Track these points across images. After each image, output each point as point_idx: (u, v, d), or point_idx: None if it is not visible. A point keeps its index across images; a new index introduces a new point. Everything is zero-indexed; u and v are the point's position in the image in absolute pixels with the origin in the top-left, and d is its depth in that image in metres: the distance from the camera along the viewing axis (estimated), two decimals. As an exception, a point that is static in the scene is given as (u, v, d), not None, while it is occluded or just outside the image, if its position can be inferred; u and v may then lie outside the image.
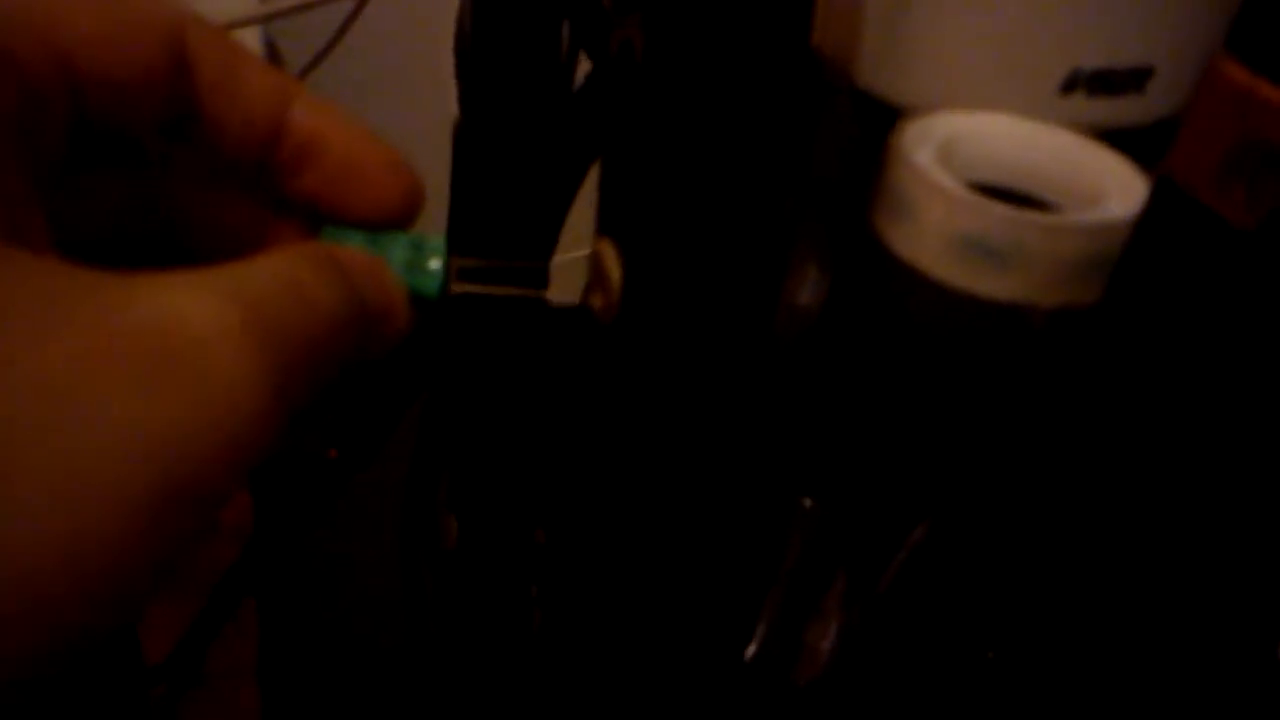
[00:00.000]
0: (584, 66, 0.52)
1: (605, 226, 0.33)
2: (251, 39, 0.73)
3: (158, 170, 0.25)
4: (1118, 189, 0.29)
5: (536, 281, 0.32)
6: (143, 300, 0.17)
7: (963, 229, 0.27)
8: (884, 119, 0.32)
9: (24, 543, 0.15)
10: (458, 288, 0.26)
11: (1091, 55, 0.33)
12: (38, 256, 0.17)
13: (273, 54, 0.84)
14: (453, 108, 0.57)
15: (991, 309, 0.28)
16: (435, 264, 0.25)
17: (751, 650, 0.41)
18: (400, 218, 0.25)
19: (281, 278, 0.20)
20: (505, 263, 0.27)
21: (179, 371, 0.17)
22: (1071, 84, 0.34)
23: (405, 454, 0.62)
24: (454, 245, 0.26)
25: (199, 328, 0.17)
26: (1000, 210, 0.27)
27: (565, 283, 0.56)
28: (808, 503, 0.40)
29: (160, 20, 0.22)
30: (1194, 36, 0.34)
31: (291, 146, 0.24)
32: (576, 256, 0.38)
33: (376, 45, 0.73)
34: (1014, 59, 0.34)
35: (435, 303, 0.25)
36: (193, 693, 0.48)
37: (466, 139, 0.58)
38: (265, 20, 0.66)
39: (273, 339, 0.18)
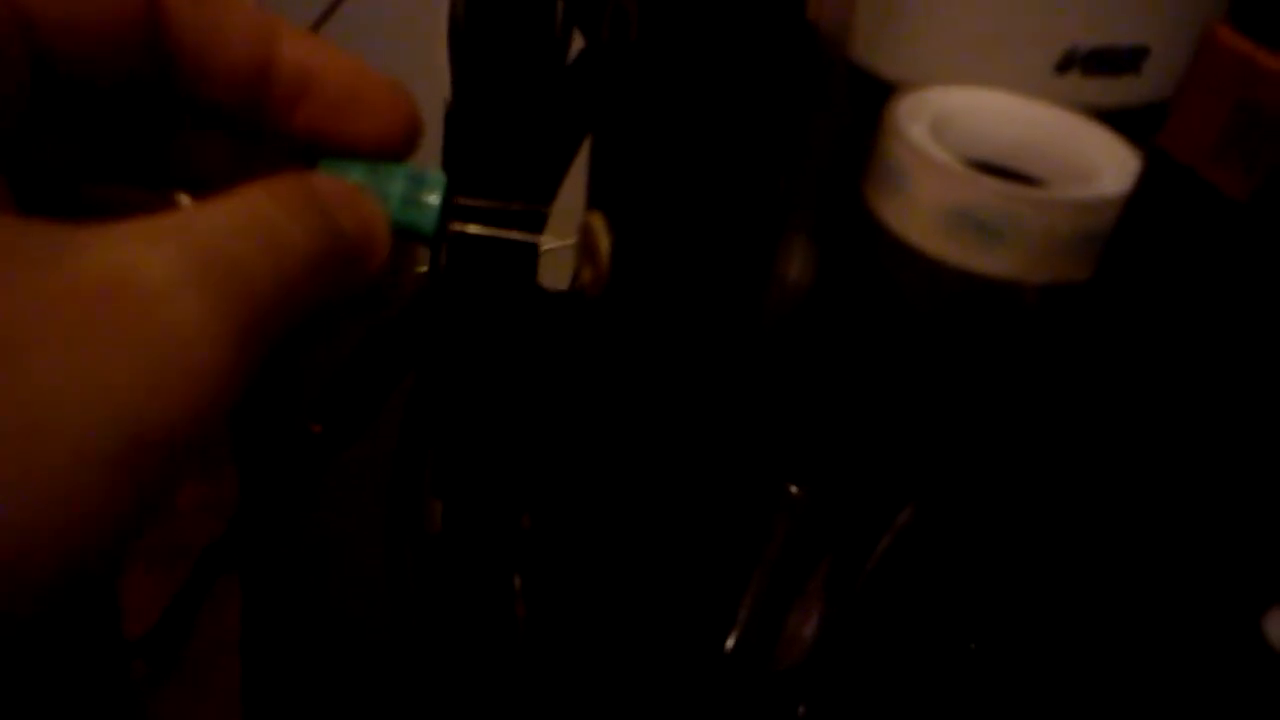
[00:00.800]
0: (578, 42, 0.51)
1: (595, 200, 0.33)
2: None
3: (138, 116, 0.24)
4: (1110, 165, 0.28)
5: (533, 225, 0.31)
6: (95, 253, 0.17)
7: (956, 203, 0.27)
8: (878, 94, 0.32)
9: None
10: (456, 226, 0.25)
11: (1087, 33, 0.33)
12: None
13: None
14: (445, 91, 0.57)
15: (984, 284, 0.27)
16: (433, 199, 0.25)
17: (733, 638, 0.41)
18: (401, 145, 0.25)
19: (245, 219, 0.19)
20: (504, 204, 0.26)
21: (133, 324, 0.16)
22: (1067, 63, 0.33)
23: (392, 433, 0.62)
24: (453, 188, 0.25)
25: (152, 279, 0.17)
26: (993, 184, 0.27)
27: (554, 269, 0.55)
28: (794, 489, 0.39)
29: None
30: (1191, 17, 0.34)
31: (283, 83, 0.23)
32: (566, 244, 0.37)
33: (365, 28, 0.73)
34: (1009, 36, 0.33)
35: (430, 240, 0.24)
36: (174, 668, 0.48)
37: (458, 122, 0.57)
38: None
39: (233, 285, 0.18)
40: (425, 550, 0.70)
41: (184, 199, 0.26)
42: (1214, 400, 0.23)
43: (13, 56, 0.20)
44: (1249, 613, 0.22)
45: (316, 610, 0.70)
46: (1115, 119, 0.32)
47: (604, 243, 0.31)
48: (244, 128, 0.24)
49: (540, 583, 0.60)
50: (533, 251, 0.49)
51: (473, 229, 0.26)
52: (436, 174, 0.25)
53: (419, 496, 0.69)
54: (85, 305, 0.16)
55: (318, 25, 0.58)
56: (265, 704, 0.58)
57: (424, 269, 0.53)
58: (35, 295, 0.16)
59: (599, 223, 0.31)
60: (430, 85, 0.57)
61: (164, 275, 0.17)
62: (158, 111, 0.24)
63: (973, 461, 0.30)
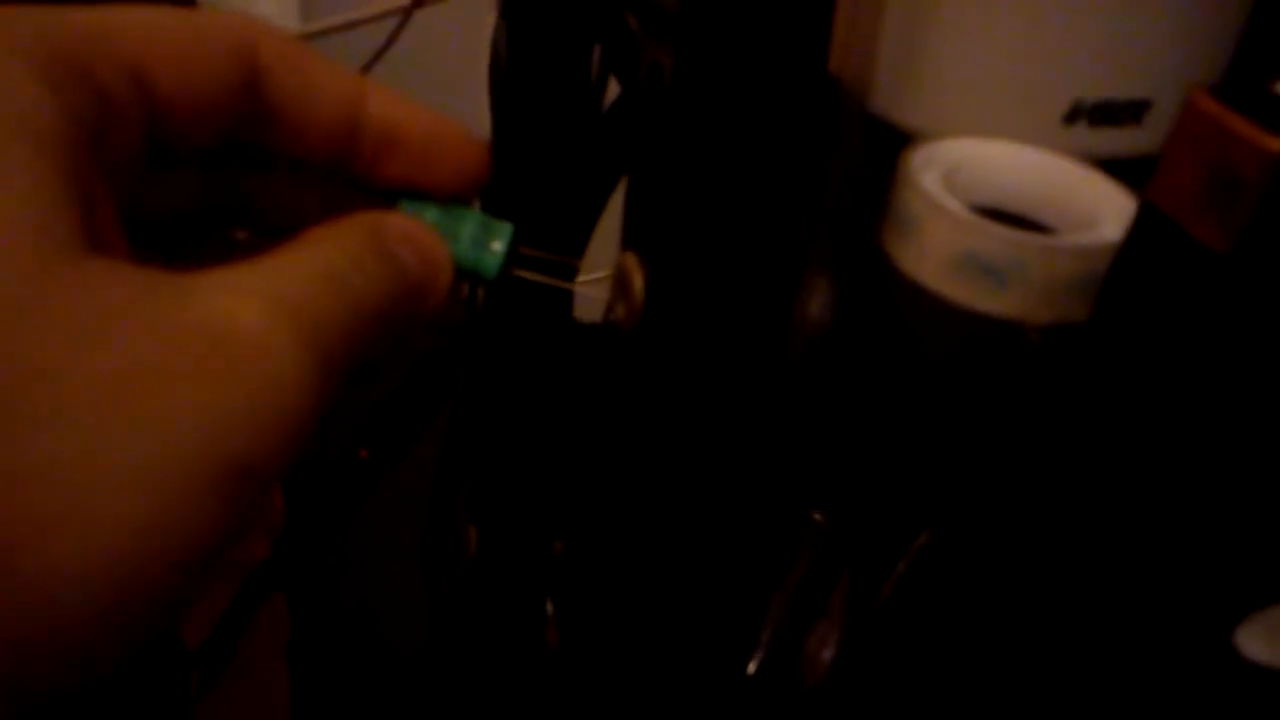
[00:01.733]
0: (614, 89, 0.54)
1: (630, 240, 0.35)
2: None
3: (237, 165, 0.26)
4: (1112, 213, 0.30)
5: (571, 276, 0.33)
6: (199, 303, 0.19)
7: (964, 248, 0.29)
8: (894, 143, 0.34)
9: (110, 518, 0.16)
10: (518, 273, 0.27)
11: (1093, 88, 0.35)
12: (109, 261, 0.19)
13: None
14: (487, 127, 0.59)
15: (990, 324, 0.29)
16: (499, 245, 0.26)
17: (756, 661, 0.43)
18: (474, 188, 0.27)
19: (320, 272, 0.21)
20: (565, 258, 0.29)
21: (232, 367, 0.18)
22: (1074, 114, 0.35)
23: (430, 462, 0.64)
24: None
25: (248, 328, 0.19)
26: (1000, 231, 0.29)
27: (589, 304, 0.57)
28: (818, 516, 0.41)
29: (233, 35, 0.23)
30: (1191, 72, 0.36)
31: (371, 139, 0.25)
32: (601, 277, 0.39)
33: (414, 66, 0.75)
34: (1020, 90, 0.36)
35: (491, 283, 0.26)
36: (222, 681, 0.50)
37: (498, 158, 0.59)
38: (305, 40, 0.68)
39: (314, 332, 0.20)
40: (461, 574, 0.72)
41: (240, 235, 0.28)
42: (1196, 430, 0.24)
43: (132, 120, 0.22)
44: (1223, 627, 0.24)
45: (357, 631, 0.72)
46: (1120, 167, 0.34)
47: (638, 280, 0.33)
48: (333, 175, 0.26)
49: (571, 606, 0.61)
50: (570, 292, 0.51)
51: (530, 276, 0.28)
52: (504, 224, 0.27)
53: (455, 523, 0.71)
54: (198, 350, 0.18)
55: (366, 68, 0.61)
56: (308, 717, 0.60)
57: (464, 296, 0.55)
58: (155, 338, 0.18)
59: (633, 261, 0.33)
60: (472, 126, 0.60)
61: (261, 325, 0.19)
62: (251, 158, 0.26)
63: (984, 490, 0.32)
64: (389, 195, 0.27)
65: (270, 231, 0.27)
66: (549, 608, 0.66)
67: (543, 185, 0.57)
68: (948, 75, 0.36)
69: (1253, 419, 0.23)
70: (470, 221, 0.26)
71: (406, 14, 0.53)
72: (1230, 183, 0.22)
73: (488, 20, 0.57)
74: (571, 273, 0.30)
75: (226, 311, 0.19)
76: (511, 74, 0.57)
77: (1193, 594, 0.25)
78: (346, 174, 0.26)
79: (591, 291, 0.37)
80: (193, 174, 0.26)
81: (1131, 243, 0.25)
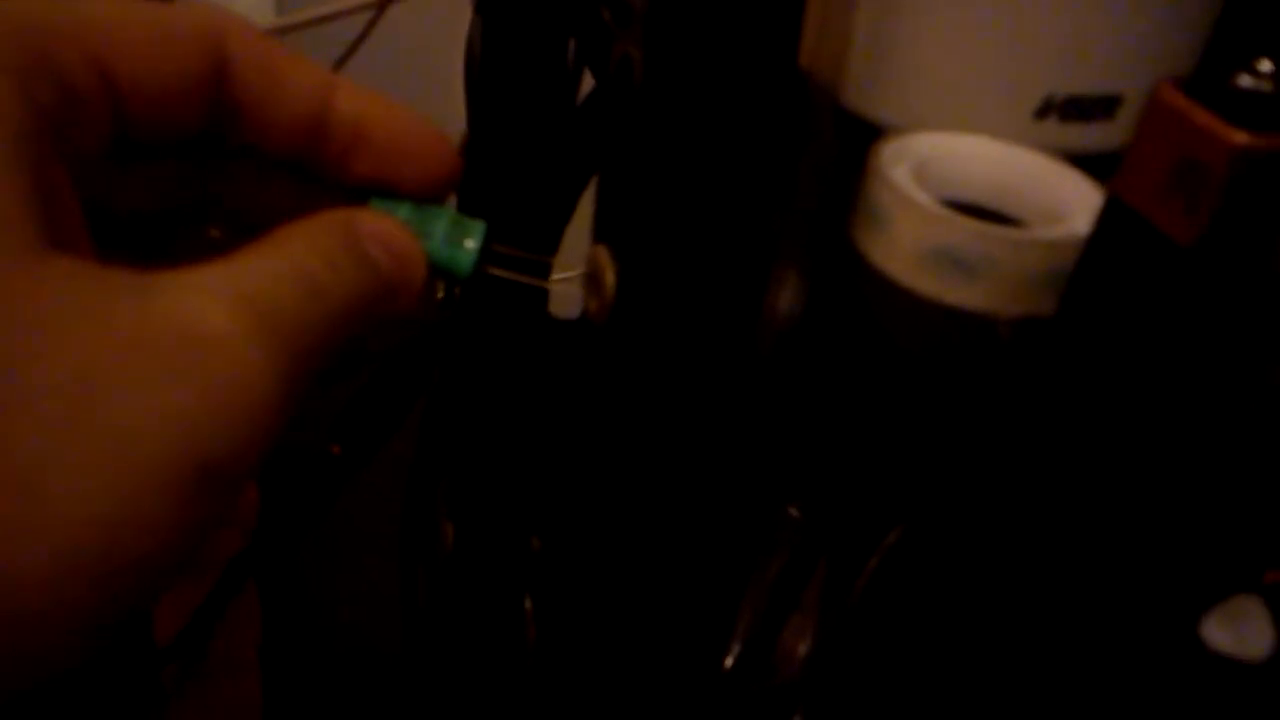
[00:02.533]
0: (587, 83, 0.54)
1: (601, 233, 0.35)
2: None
3: (203, 159, 0.26)
4: (1081, 207, 0.30)
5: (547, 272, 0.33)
6: (165, 303, 0.19)
7: (934, 241, 0.29)
8: (866, 137, 0.34)
9: (74, 519, 0.16)
10: (492, 271, 0.27)
11: (1063, 83, 0.35)
12: (72, 259, 0.19)
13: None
14: (463, 122, 0.59)
15: (960, 317, 0.29)
16: (472, 242, 0.27)
17: (732, 655, 0.43)
18: (443, 188, 0.27)
19: (285, 269, 0.21)
20: (538, 256, 0.29)
21: (199, 367, 0.18)
22: (1045, 109, 0.35)
23: (406, 457, 0.64)
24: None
25: (217, 329, 0.19)
26: (969, 224, 0.29)
27: (565, 299, 0.57)
28: (793, 511, 0.41)
29: (200, 27, 0.23)
30: (1160, 68, 0.36)
31: (340, 136, 0.25)
32: (575, 275, 0.39)
33: (390, 60, 0.75)
34: (991, 85, 0.36)
35: (463, 281, 0.26)
36: (198, 673, 0.50)
37: (474, 153, 0.60)
38: (281, 33, 0.68)
39: (283, 332, 0.20)
40: (438, 570, 0.72)
41: (215, 233, 0.28)
42: (1162, 422, 0.25)
43: (96, 112, 0.22)
44: (1189, 618, 0.24)
45: (332, 626, 0.72)
46: (1091, 161, 0.34)
47: (609, 274, 0.33)
48: (302, 170, 0.26)
49: (549, 602, 0.61)
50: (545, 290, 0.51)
51: (503, 274, 0.28)
52: (477, 222, 0.26)
53: (432, 519, 0.71)
54: (161, 351, 0.18)
55: (346, 56, 0.61)
56: (282, 716, 0.60)
57: (440, 296, 0.55)
58: (118, 339, 0.18)
59: (605, 255, 0.33)
60: (448, 118, 0.59)
61: (227, 325, 0.19)
62: (221, 154, 0.26)
63: (955, 483, 0.32)
64: (360, 193, 0.26)
65: (244, 229, 0.27)
66: (527, 603, 0.66)
67: (518, 180, 0.57)
68: (919, 70, 0.36)
69: (1217, 412, 0.23)
70: (443, 219, 0.26)
71: (381, 8, 0.53)
72: (1195, 176, 0.22)
73: (463, 14, 0.57)
74: (546, 270, 0.30)
75: (191, 311, 0.19)
76: (486, 68, 0.57)
77: (1158, 585, 0.25)
78: (316, 171, 0.26)
79: (565, 289, 0.37)
80: (163, 169, 0.25)
81: (1098, 235, 0.25)
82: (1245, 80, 0.22)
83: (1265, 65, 0.22)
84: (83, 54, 0.21)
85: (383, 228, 0.24)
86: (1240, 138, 0.21)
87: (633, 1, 0.37)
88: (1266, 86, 0.22)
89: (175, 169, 0.26)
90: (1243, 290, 0.22)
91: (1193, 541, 0.24)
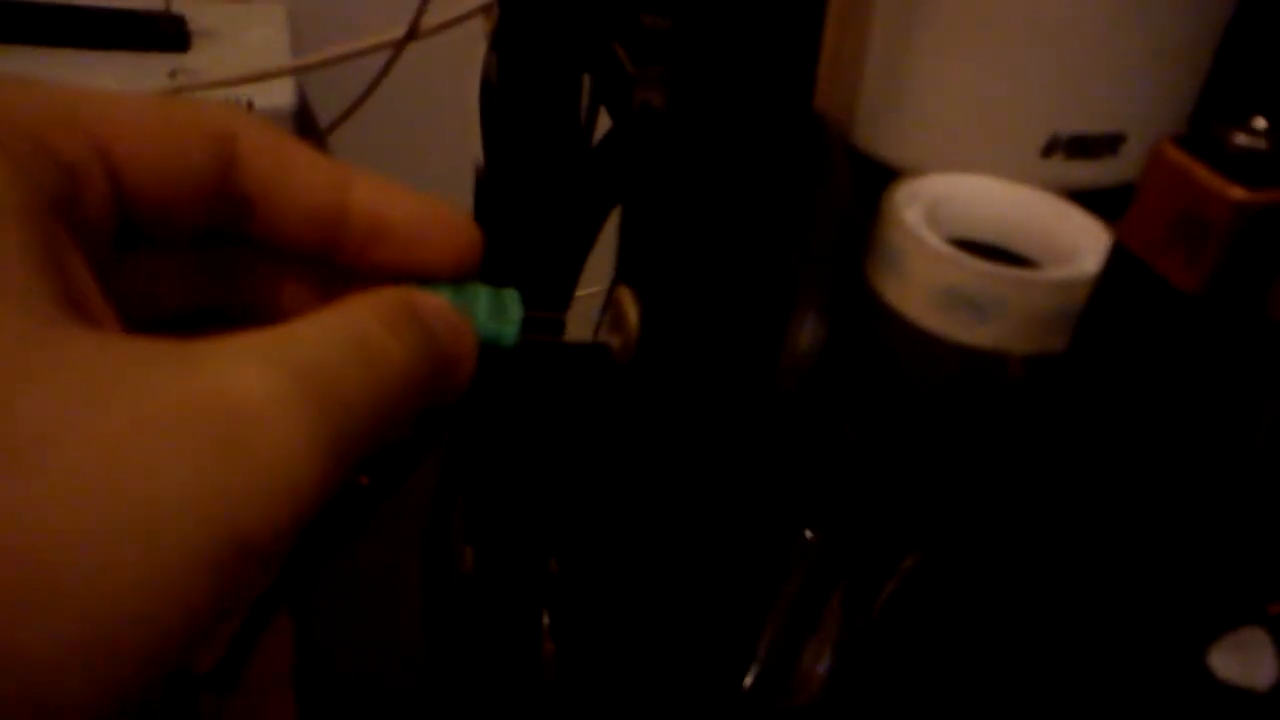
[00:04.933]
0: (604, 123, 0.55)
1: (623, 273, 0.36)
2: (285, 90, 0.77)
3: (217, 252, 0.25)
4: (1089, 246, 0.32)
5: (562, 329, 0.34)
6: (201, 371, 0.18)
7: (946, 282, 0.30)
8: (880, 178, 0.35)
9: (109, 595, 0.16)
10: (529, 337, 0.27)
11: (1069, 122, 0.37)
12: (98, 330, 0.18)
13: (304, 104, 0.87)
14: (479, 156, 0.60)
15: (972, 355, 0.31)
16: (514, 314, 0.26)
17: (751, 676, 0.44)
18: (472, 267, 0.26)
19: (344, 336, 0.20)
20: (561, 314, 0.29)
21: (236, 440, 0.17)
22: (1051, 147, 0.37)
23: (428, 484, 0.65)
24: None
25: (255, 398, 0.18)
26: (979, 266, 0.30)
27: (578, 320, 0.58)
28: (809, 534, 0.42)
29: (207, 123, 0.23)
30: (1163, 106, 0.38)
31: (359, 228, 0.25)
32: (591, 292, 0.40)
33: (406, 96, 0.76)
34: (999, 125, 0.37)
35: (508, 351, 0.26)
36: (234, 698, 0.51)
37: (489, 188, 0.61)
38: (299, 71, 0.69)
39: (331, 403, 0.19)
40: (459, 591, 0.73)
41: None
42: (1169, 460, 0.26)
43: (96, 191, 0.21)
44: (1196, 647, 0.25)
45: (359, 645, 0.73)
46: (1097, 197, 0.35)
47: (632, 313, 0.34)
48: (324, 264, 0.26)
49: (567, 622, 0.62)
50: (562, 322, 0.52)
51: (539, 338, 0.28)
52: (513, 292, 0.26)
53: (453, 542, 0.72)
54: (197, 421, 0.17)
55: (363, 97, 0.62)
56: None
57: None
58: (153, 410, 0.17)
59: (627, 295, 0.35)
60: (466, 149, 0.61)
61: (267, 394, 0.18)
62: (237, 249, 0.25)
63: (969, 514, 0.33)
64: (386, 281, 0.26)
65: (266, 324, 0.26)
66: (545, 624, 0.67)
67: (534, 213, 0.58)
68: (928, 111, 0.37)
69: (1221, 452, 0.25)
70: (483, 295, 0.26)
71: (399, 47, 0.54)
72: (1196, 228, 0.23)
73: (479, 51, 0.58)
74: (561, 327, 0.30)
75: (229, 378, 0.18)
76: (502, 102, 0.58)
77: (1167, 615, 0.26)
78: (334, 262, 0.25)
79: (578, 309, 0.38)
80: (178, 264, 0.25)
81: (1105, 281, 0.26)
82: (1241, 138, 0.23)
83: (1260, 123, 0.23)
84: (82, 138, 0.21)
85: (439, 302, 0.24)
86: (1238, 193, 0.22)
87: (649, 28, 0.38)
88: (1262, 144, 0.23)
89: (191, 264, 0.25)
90: (1241, 335, 0.23)
91: (1200, 573, 0.25)
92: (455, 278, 0.26)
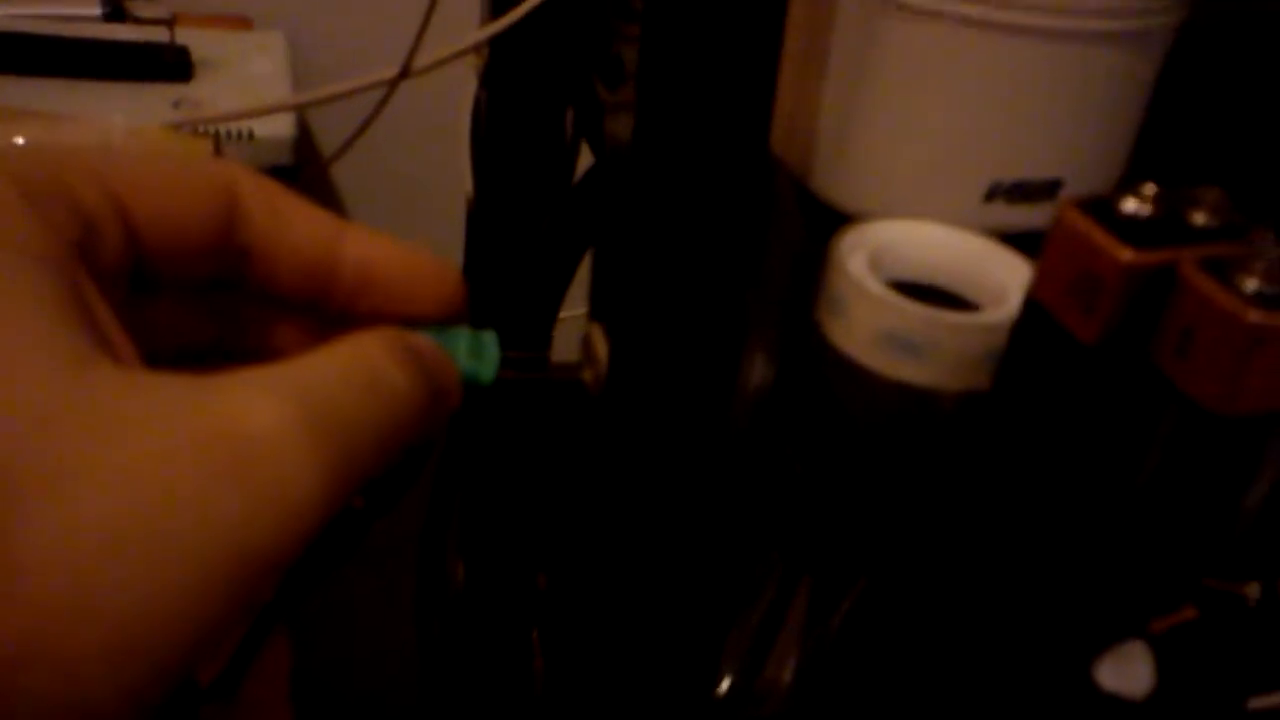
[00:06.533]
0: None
1: (596, 312, 0.38)
2: (286, 123, 0.79)
3: (220, 296, 0.27)
4: (1018, 286, 0.34)
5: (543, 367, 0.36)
6: (212, 403, 0.19)
7: (885, 325, 0.33)
8: (834, 222, 0.38)
9: (130, 613, 0.18)
10: (504, 374, 0.29)
11: (1009, 169, 0.39)
12: (121, 365, 0.20)
13: (304, 133, 0.89)
14: (468, 189, 0.63)
15: (909, 392, 0.33)
16: (491, 353, 0.28)
17: (725, 686, 0.46)
18: (455, 313, 0.28)
19: (350, 367, 0.22)
20: (540, 354, 0.31)
21: (247, 466, 0.19)
22: (993, 193, 0.39)
23: (421, 503, 0.67)
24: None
25: (262, 427, 0.19)
26: (915, 310, 0.33)
27: (561, 342, 0.60)
28: (774, 556, 0.45)
29: (213, 176, 0.25)
30: (1098, 154, 0.40)
31: (349, 277, 0.26)
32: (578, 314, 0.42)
33: (403, 129, 0.78)
34: (944, 171, 0.39)
35: (487, 388, 0.28)
36: (234, 710, 0.53)
37: (480, 217, 0.63)
38: (298, 109, 0.72)
39: (335, 432, 0.20)
40: (450, 606, 0.75)
41: None
42: (1067, 492, 0.28)
43: (112, 240, 0.23)
44: (1082, 660, 0.27)
45: (354, 660, 0.75)
46: (1035, 239, 0.38)
47: (602, 349, 0.37)
48: (316, 310, 0.27)
49: (555, 636, 0.65)
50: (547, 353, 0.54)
51: (513, 375, 0.30)
52: (490, 334, 0.28)
53: (445, 559, 0.74)
54: (210, 451, 0.19)
55: (362, 129, 0.65)
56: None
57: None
58: (171, 441, 0.19)
59: (598, 333, 0.37)
60: (456, 183, 0.63)
61: (272, 424, 0.20)
62: (236, 296, 0.27)
63: (906, 541, 0.35)
64: (375, 324, 0.27)
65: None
66: (534, 637, 0.69)
67: (520, 245, 0.60)
68: (880, 159, 0.40)
69: (1112, 485, 0.27)
70: (463, 336, 0.28)
71: (393, 84, 0.57)
72: (1092, 285, 0.26)
73: (469, 88, 0.61)
74: (544, 364, 0.33)
75: (238, 407, 0.19)
76: (490, 135, 0.61)
77: (1058, 629, 0.28)
78: (325, 309, 0.27)
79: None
80: (187, 307, 0.27)
81: (1018, 330, 0.29)
82: (1131, 204, 0.26)
83: (1149, 189, 0.26)
84: (98, 188, 0.22)
85: (430, 344, 0.25)
86: (1127, 255, 0.25)
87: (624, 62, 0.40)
88: (1148, 210, 0.25)
89: (195, 307, 0.27)
90: (1131, 381, 0.26)
91: (1089, 592, 0.28)
92: (439, 322, 0.28)
